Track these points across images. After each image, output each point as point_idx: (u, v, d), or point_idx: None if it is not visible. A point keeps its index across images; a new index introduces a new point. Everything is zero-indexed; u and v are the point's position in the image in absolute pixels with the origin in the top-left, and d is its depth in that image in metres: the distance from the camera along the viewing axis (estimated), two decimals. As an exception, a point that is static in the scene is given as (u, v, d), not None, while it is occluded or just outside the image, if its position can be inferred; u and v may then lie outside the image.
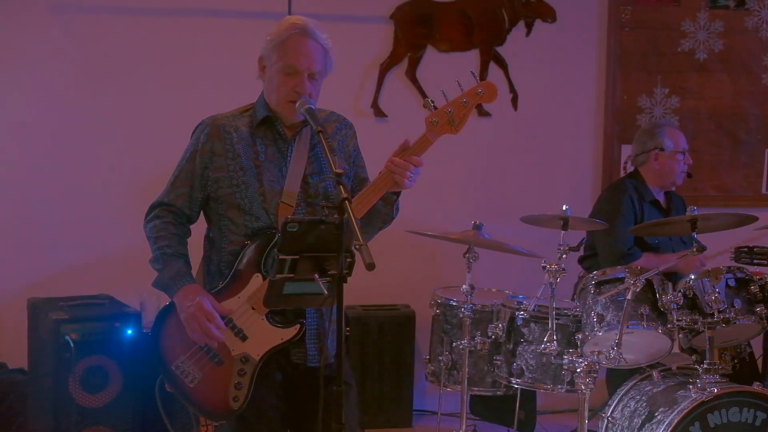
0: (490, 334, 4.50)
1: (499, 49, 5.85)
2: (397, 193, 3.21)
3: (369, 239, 3.32)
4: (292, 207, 3.17)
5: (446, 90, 3.16)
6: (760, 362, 4.88)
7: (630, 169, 5.39)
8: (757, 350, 4.85)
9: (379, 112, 5.73)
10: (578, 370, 3.92)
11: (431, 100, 3.14)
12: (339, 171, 2.90)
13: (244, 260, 3.16)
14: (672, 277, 4.55)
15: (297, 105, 3.15)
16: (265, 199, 3.18)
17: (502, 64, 5.85)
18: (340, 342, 2.86)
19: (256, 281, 3.14)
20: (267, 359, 3.16)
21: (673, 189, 5.19)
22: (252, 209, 3.17)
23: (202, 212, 3.34)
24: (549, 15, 5.88)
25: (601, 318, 4.13)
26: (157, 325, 3.28)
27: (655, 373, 4.26)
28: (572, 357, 3.98)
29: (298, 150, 3.24)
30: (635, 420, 4.12)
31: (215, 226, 3.27)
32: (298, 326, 3.16)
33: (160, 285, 3.24)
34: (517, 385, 4.43)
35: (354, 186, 3.34)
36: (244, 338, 3.15)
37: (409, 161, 3.09)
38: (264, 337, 3.15)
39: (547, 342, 4.11)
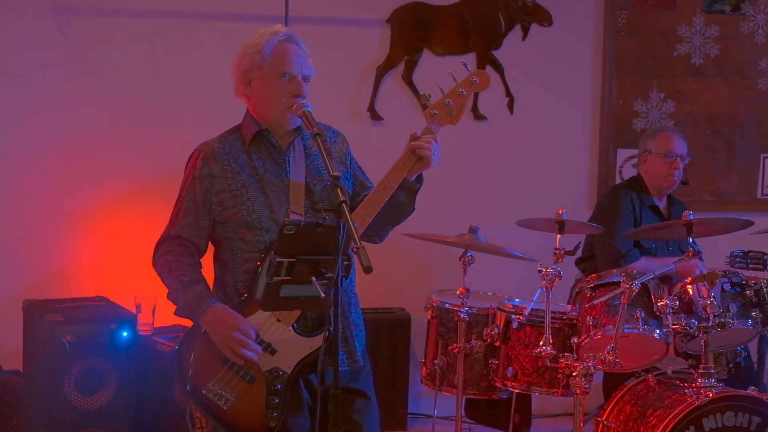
0: (485, 337, 4.50)
1: (496, 53, 5.85)
2: (420, 183, 3.23)
3: (386, 236, 3.35)
4: (301, 215, 3.15)
5: (441, 85, 3.19)
6: (755, 366, 4.89)
7: (627, 172, 5.40)
8: (753, 355, 4.86)
9: (375, 116, 5.74)
10: (574, 373, 3.93)
11: (428, 94, 3.17)
12: (336, 174, 2.90)
13: (263, 275, 3.11)
14: (667, 281, 4.56)
15: (294, 108, 3.14)
16: (273, 210, 3.15)
17: (498, 67, 5.85)
18: (335, 344, 2.85)
19: None
20: (298, 371, 3.12)
21: (668, 193, 5.19)
22: (261, 223, 3.14)
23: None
24: (545, 19, 5.89)
25: (596, 322, 4.14)
26: (182, 353, 3.20)
27: (650, 377, 4.27)
28: (568, 361, 3.98)
29: (294, 159, 3.23)
30: (630, 424, 4.13)
31: (226, 248, 3.22)
32: (325, 333, 3.05)
33: (182, 312, 3.18)
34: (513, 388, 4.44)
35: (355, 189, 3.33)
36: (273, 352, 3.09)
37: (432, 135, 3.14)
38: (293, 348, 3.10)
39: (542, 346, 4.12)
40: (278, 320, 3.10)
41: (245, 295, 3.16)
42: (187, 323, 3.26)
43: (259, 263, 3.13)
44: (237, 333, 3.05)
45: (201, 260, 3.27)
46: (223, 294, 3.22)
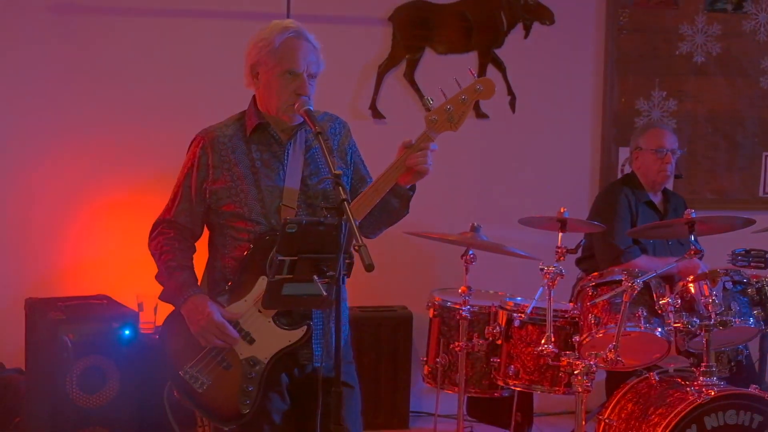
0: (487, 335, 4.51)
1: (498, 52, 5.85)
2: (413, 190, 3.23)
3: (380, 233, 3.36)
4: (294, 209, 3.17)
5: (445, 89, 3.17)
6: (757, 365, 4.88)
7: (627, 170, 5.41)
8: (754, 353, 4.85)
9: (377, 114, 5.74)
10: (575, 372, 3.93)
11: (430, 99, 3.15)
12: (338, 172, 2.92)
13: (250, 264, 3.16)
14: (669, 279, 4.56)
15: (296, 106, 3.15)
16: (264, 204, 3.18)
17: (500, 66, 5.85)
18: (338, 344, 2.87)
19: (262, 284, 3.10)
20: (275, 362, 3.16)
21: (662, 188, 5.19)
22: (252, 216, 3.17)
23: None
24: (547, 17, 5.88)
25: (598, 320, 4.14)
26: (164, 331, 3.29)
27: (652, 376, 4.27)
28: (569, 359, 3.98)
29: (294, 152, 3.24)
30: (632, 422, 4.13)
31: (219, 233, 3.27)
32: (305, 328, 3.15)
33: (166, 298, 3.25)
34: (514, 386, 4.44)
35: (354, 183, 3.35)
36: (251, 341, 3.15)
37: (426, 148, 3.11)
38: (271, 339, 3.15)
39: (544, 344, 4.12)
40: (259, 311, 3.15)
41: (230, 283, 3.21)
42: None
43: (246, 253, 3.17)
44: (213, 328, 3.11)
45: (195, 243, 3.34)
46: (212, 278, 3.29)
